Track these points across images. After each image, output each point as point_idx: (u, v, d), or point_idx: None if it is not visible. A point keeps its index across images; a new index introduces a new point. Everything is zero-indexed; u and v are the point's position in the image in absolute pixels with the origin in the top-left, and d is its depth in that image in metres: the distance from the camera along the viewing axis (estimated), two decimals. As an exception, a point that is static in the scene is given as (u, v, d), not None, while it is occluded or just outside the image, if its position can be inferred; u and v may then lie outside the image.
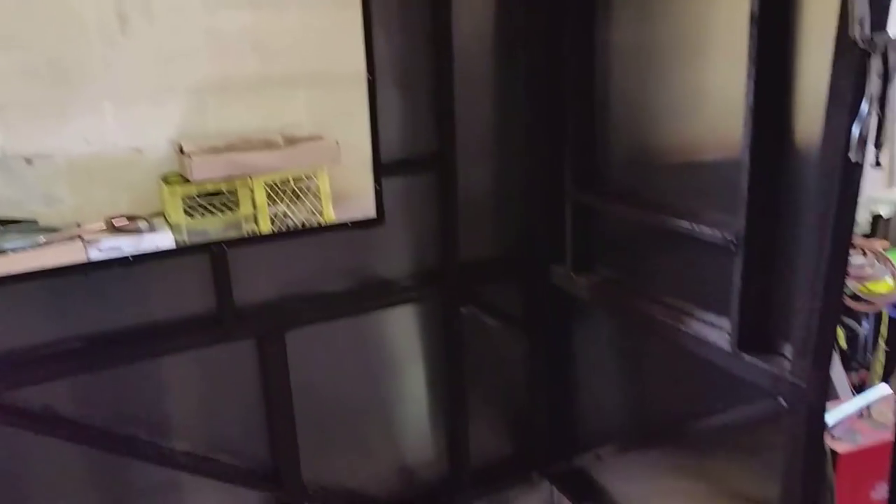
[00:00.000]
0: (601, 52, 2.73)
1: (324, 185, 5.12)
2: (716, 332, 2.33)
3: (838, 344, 6.58)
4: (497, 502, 3.53)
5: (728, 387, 2.35)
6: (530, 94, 2.98)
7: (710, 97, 2.33)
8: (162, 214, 5.29)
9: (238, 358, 2.74)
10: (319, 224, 2.79)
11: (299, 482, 2.92)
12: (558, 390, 3.35)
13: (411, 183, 2.88)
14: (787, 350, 2.13)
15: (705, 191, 2.37)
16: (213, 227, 4.52)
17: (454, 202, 2.92)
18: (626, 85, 2.68)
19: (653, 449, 2.87)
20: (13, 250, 4.98)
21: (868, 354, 7.00)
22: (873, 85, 1.61)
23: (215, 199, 5.19)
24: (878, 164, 1.70)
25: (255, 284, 2.71)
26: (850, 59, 1.70)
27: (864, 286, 6.73)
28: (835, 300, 1.99)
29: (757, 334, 2.21)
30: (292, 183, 5.18)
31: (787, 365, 2.11)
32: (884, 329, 6.83)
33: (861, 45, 1.64)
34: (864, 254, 6.78)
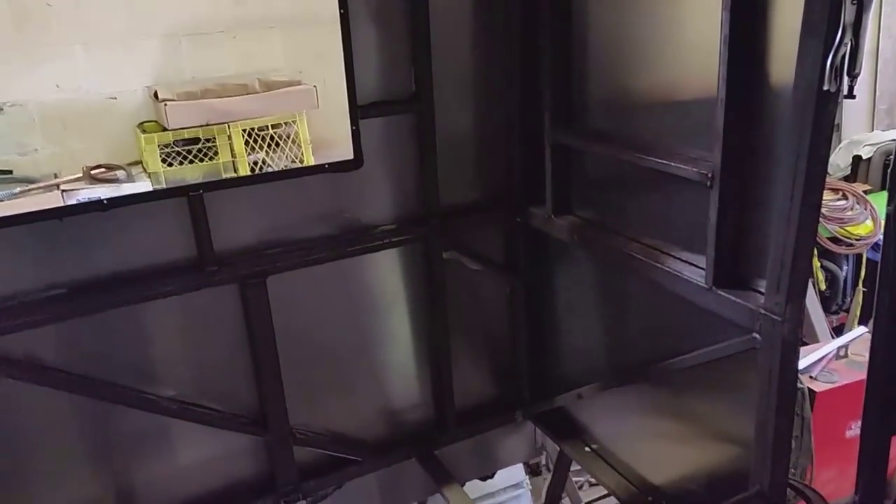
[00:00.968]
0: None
1: (303, 131, 5.05)
2: (691, 269, 2.36)
3: (818, 286, 6.68)
4: (481, 443, 3.60)
5: (704, 324, 2.39)
6: (508, 35, 2.94)
7: (686, 34, 2.32)
8: (140, 164, 5.24)
9: (220, 303, 2.75)
10: (296, 166, 2.76)
11: (286, 426, 2.96)
12: (539, 332, 3.39)
13: (389, 125, 2.86)
14: (762, 285, 2.16)
15: (682, 129, 2.38)
16: (192, 175, 4.47)
17: (432, 144, 2.90)
18: (603, 24, 2.66)
19: (631, 387, 2.92)
20: (-10, 200, 4.91)
21: (847, 297, 7.11)
22: (847, 12, 1.60)
23: (193, 146, 5.13)
24: (851, 94, 1.70)
25: (235, 229, 2.70)
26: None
27: (844, 229, 6.80)
28: (809, 233, 2.02)
29: (732, 270, 2.24)
30: (271, 130, 5.11)
31: (761, 300, 2.14)
32: (863, 271, 6.93)
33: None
34: (845, 196, 6.84)
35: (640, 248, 2.58)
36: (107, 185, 5.20)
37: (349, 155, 2.78)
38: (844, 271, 6.97)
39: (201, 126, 5.04)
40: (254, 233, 2.76)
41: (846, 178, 7.11)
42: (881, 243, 2.16)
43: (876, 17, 7.14)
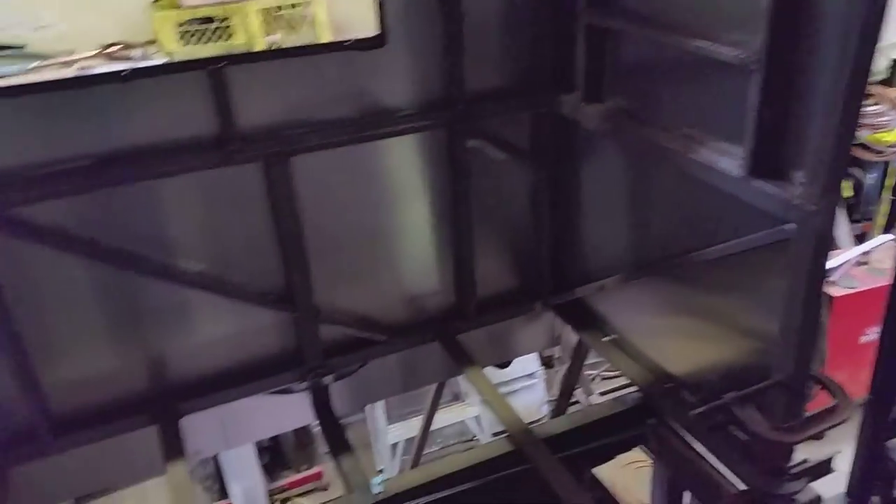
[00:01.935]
0: None
1: (321, 12, 4.91)
2: (727, 159, 2.30)
3: (843, 193, 6.57)
4: (500, 331, 3.66)
5: (737, 215, 2.35)
6: None
7: None
8: (155, 43, 5.12)
9: (245, 182, 2.74)
10: (320, 42, 2.65)
11: (312, 304, 3.00)
12: (563, 223, 3.37)
13: (412, 3, 2.73)
14: (799, 177, 2.10)
15: (724, 10, 2.26)
16: (207, 55, 4.32)
17: (458, 24, 2.78)
18: None
19: (655, 280, 2.92)
20: (5, 76, 4.87)
21: (872, 205, 7.00)
22: None
23: (208, 26, 5.01)
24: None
25: (257, 108, 2.65)
26: None
27: (873, 135, 6.61)
28: (851, 122, 1.94)
29: (769, 160, 2.18)
30: (288, 10, 4.96)
31: (797, 190, 2.09)
32: (889, 180, 6.79)
33: None
34: (878, 102, 6.61)
35: (674, 138, 2.50)
36: (123, 62, 5.11)
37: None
38: (871, 179, 6.84)
39: (217, 4, 4.89)
40: (275, 113, 2.70)
41: (882, 83, 6.85)
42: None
43: None
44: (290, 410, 3.33)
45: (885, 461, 3.04)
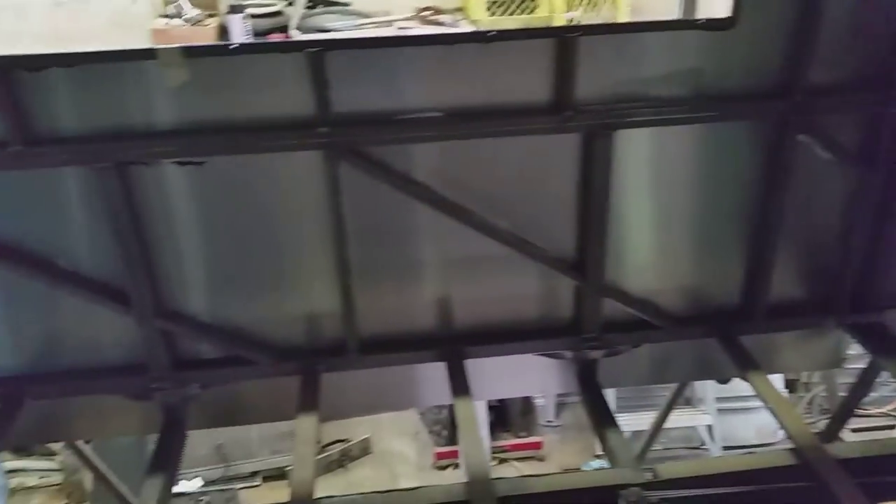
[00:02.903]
0: None
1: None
2: None
3: None
4: (779, 342, 3.47)
5: None
6: None
7: None
8: (462, 11, 5.44)
9: (566, 149, 2.83)
10: (667, 20, 2.66)
11: (602, 277, 3.05)
12: (880, 236, 3.09)
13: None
14: None
15: None
16: (510, 27, 4.52)
17: (818, 8, 2.63)
18: None
19: None
20: (335, 30, 5.42)
21: None
22: None
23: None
24: None
25: (591, 79, 2.70)
26: None
27: None
28: None
29: None
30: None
31: None
32: None
33: None
34: None
35: None
36: (435, 26, 5.48)
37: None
38: None
39: (527, -21, 5.08)
40: (606, 86, 2.74)
41: None
42: None
43: None
44: (552, 376, 3.43)
45: None
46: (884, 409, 6.97)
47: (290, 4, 5.85)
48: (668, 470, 2.71)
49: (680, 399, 6.40)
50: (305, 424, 2.83)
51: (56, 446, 6.71)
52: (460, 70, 2.66)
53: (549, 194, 2.96)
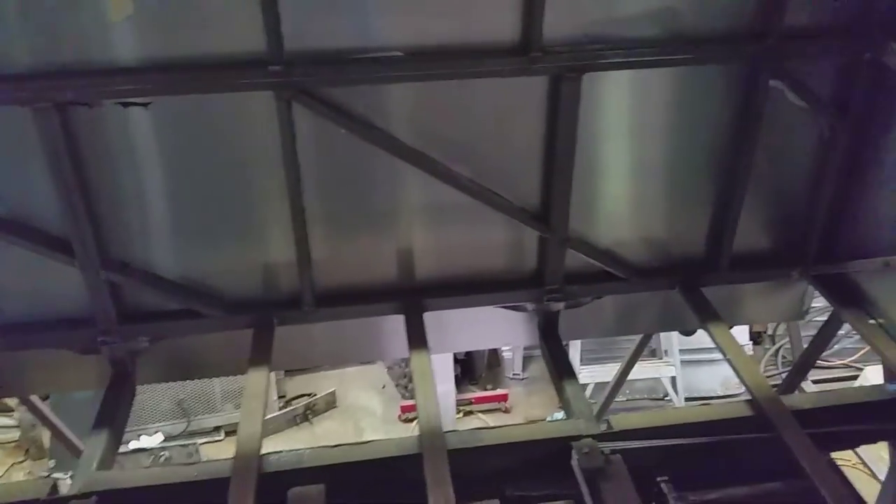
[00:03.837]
0: None
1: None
2: None
3: None
4: (743, 293, 3.45)
5: None
6: None
7: None
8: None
9: (531, 94, 2.71)
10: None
11: (566, 228, 2.97)
12: (849, 186, 3.05)
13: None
14: None
15: None
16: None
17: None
18: None
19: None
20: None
21: None
22: None
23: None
24: None
25: (559, 19, 2.57)
26: None
27: None
28: None
29: None
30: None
31: None
32: None
33: None
34: None
35: None
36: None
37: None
38: None
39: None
40: (575, 26, 2.62)
41: None
42: None
43: None
44: (515, 328, 3.37)
45: None
46: (846, 361, 7.10)
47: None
48: (623, 421, 2.66)
49: (645, 351, 6.48)
50: (255, 378, 2.73)
51: (13, 402, 6.58)
52: (424, 4, 2.51)
53: (515, 141, 2.85)
